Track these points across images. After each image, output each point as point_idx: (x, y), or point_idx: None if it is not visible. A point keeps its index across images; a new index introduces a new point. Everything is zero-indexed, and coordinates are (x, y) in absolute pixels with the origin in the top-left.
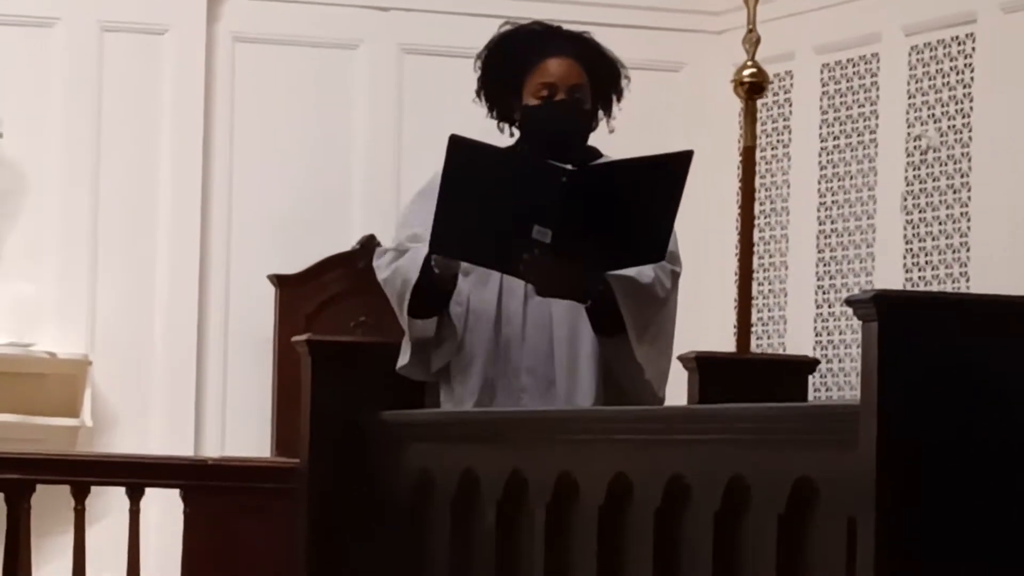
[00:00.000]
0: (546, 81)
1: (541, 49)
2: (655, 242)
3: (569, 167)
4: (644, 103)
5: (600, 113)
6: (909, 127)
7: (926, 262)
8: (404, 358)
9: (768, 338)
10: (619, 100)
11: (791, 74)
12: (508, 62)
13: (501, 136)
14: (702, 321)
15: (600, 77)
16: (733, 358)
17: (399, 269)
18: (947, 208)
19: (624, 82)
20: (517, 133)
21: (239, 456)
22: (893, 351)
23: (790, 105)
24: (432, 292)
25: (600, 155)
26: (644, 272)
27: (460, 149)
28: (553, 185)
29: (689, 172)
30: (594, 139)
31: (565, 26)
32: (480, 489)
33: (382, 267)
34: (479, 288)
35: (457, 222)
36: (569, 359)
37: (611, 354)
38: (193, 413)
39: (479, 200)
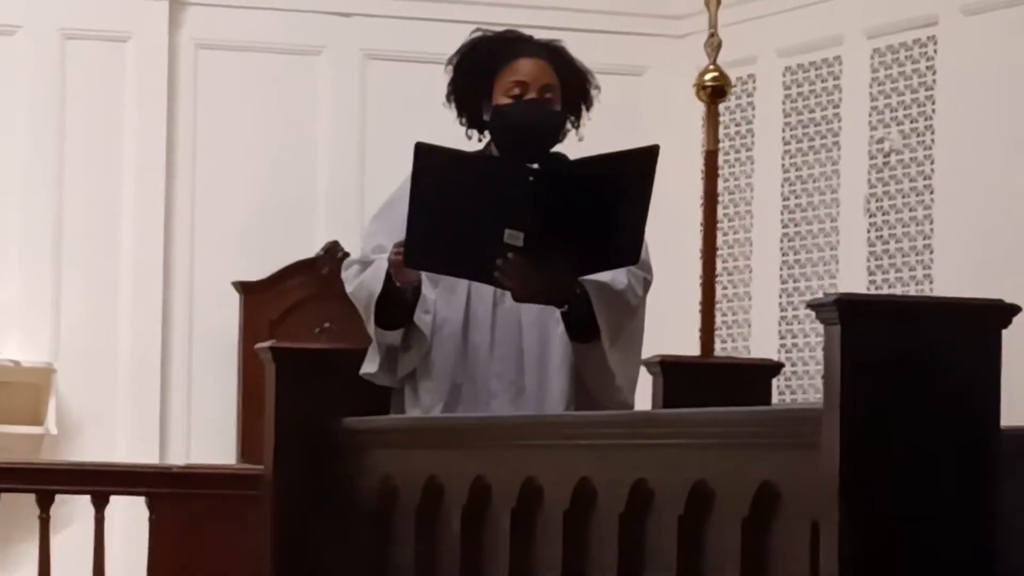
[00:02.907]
0: (518, 79)
1: (513, 50)
2: (629, 243)
3: (536, 166)
4: (606, 107)
5: (569, 122)
6: (872, 130)
7: (890, 264)
8: (371, 365)
9: (732, 341)
10: (588, 109)
11: (753, 77)
12: (479, 64)
13: (469, 143)
14: (666, 325)
15: (570, 84)
16: (697, 362)
17: (363, 282)
18: (910, 210)
19: (594, 91)
20: (486, 139)
21: (204, 463)
22: (856, 354)
23: (753, 108)
24: (395, 304)
25: (567, 160)
26: (618, 279)
27: (427, 155)
28: (521, 186)
29: (656, 167)
30: (560, 146)
31: (528, 31)
32: (444, 495)
33: (349, 279)
34: (447, 294)
35: (429, 233)
36: (539, 365)
37: (583, 360)
38: (158, 420)
39: (449, 208)
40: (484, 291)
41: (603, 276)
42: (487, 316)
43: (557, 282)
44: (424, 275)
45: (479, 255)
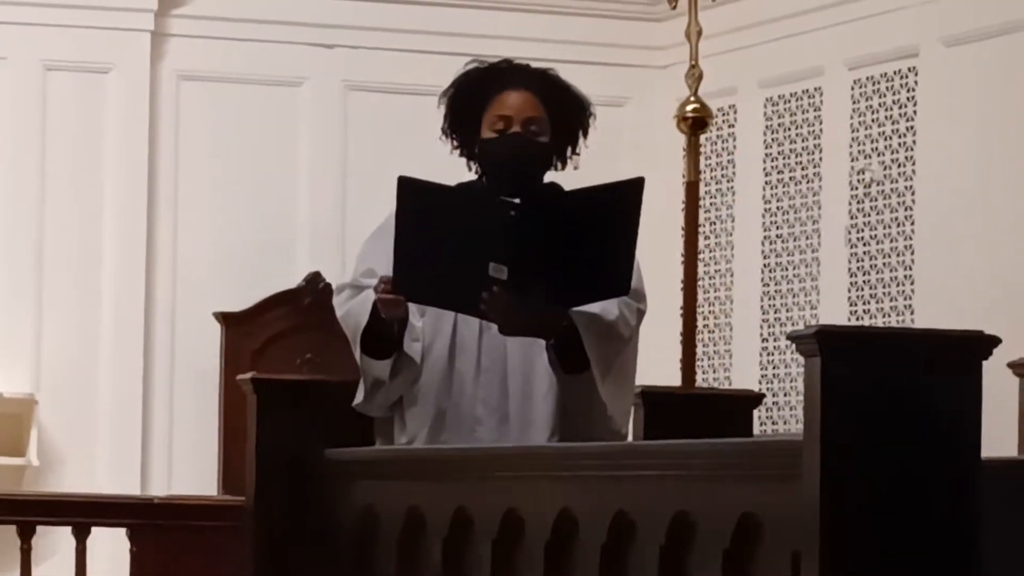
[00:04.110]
0: (501, 114)
1: (500, 83)
2: (617, 274)
3: (516, 200)
4: (589, 137)
5: (569, 149)
6: (852, 160)
7: (871, 295)
8: (360, 395)
9: (713, 372)
10: (585, 136)
11: (734, 108)
12: (469, 97)
13: (469, 173)
14: (647, 356)
15: (561, 112)
16: (678, 393)
17: (351, 311)
18: (891, 241)
19: (590, 119)
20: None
21: (185, 495)
22: (836, 386)
23: (734, 139)
24: (381, 336)
25: (560, 190)
26: (608, 309)
27: (409, 189)
28: (502, 220)
29: (642, 198)
30: (558, 175)
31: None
32: (426, 526)
33: (339, 304)
34: (434, 320)
35: (416, 265)
36: (523, 392)
37: (570, 391)
38: (139, 451)
39: (434, 241)
40: (471, 317)
41: (593, 307)
42: (473, 342)
43: (543, 315)
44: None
45: (465, 288)
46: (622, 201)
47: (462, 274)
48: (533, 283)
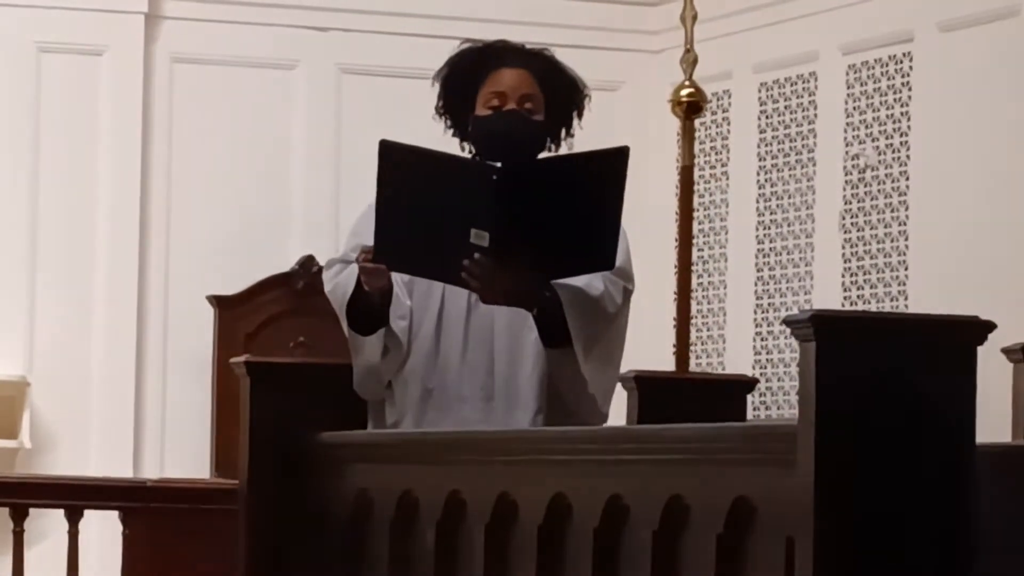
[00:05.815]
0: (496, 90)
1: (495, 61)
2: (601, 248)
3: (498, 165)
4: (582, 122)
5: (564, 131)
6: (847, 146)
7: (864, 280)
8: (357, 377)
9: (707, 357)
10: (579, 117)
11: (729, 93)
12: (463, 76)
13: (461, 154)
14: (641, 340)
15: (557, 92)
16: (672, 377)
17: (338, 285)
18: (885, 226)
19: (585, 100)
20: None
21: (178, 478)
22: (831, 370)
23: (728, 124)
24: (366, 308)
25: (544, 158)
26: (593, 284)
27: (391, 153)
28: (485, 185)
29: (627, 169)
30: (545, 155)
31: None
32: (419, 510)
33: (328, 279)
34: (423, 299)
35: (397, 232)
36: (509, 372)
37: (555, 365)
38: (132, 434)
39: (416, 207)
40: (458, 296)
41: (577, 281)
42: (460, 321)
43: (524, 284)
44: (401, 281)
45: (446, 255)
46: (606, 170)
47: (444, 241)
48: (515, 250)
